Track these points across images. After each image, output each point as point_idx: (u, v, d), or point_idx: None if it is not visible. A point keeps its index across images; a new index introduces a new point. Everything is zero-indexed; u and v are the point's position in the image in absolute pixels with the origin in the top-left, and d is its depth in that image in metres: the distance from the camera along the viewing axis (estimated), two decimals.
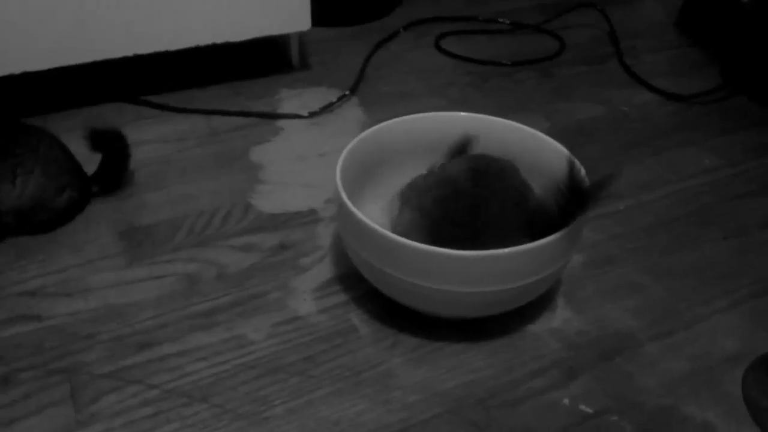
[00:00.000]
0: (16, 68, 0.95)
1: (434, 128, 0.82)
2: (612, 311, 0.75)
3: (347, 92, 1.11)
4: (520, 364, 0.69)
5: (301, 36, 1.17)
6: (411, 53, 1.27)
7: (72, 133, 0.88)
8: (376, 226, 0.65)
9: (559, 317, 0.74)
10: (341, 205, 0.68)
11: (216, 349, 0.69)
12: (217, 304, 0.74)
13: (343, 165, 0.72)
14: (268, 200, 0.89)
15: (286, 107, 1.08)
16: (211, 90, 1.11)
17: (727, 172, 0.99)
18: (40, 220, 0.81)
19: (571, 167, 0.69)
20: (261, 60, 1.19)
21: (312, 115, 1.06)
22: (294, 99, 1.11)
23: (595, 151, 1.02)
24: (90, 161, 0.87)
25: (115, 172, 0.88)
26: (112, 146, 0.87)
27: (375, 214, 0.77)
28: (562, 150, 0.77)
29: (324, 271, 0.79)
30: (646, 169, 0.99)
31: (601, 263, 0.82)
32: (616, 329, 0.73)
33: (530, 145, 0.80)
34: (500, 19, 1.38)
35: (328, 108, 1.08)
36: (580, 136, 1.04)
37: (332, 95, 1.10)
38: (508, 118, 0.83)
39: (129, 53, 1.01)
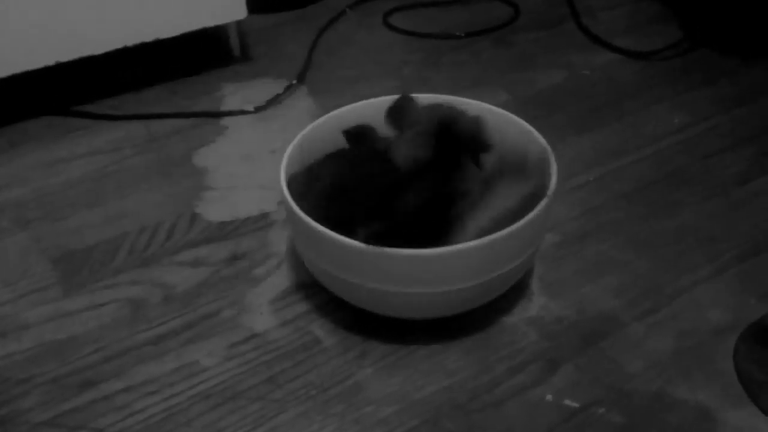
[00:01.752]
0: None
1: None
2: (592, 292, 0.71)
3: (294, 81, 1.04)
4: (498, 360, 0.64)
5: (240, 25, 1.09)
6: (359, 33, 1.20)
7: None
8: (329, 231, 0.59)
9: (536, 304, 0.69)
10: (289, 211, 0.62)
11: (167, 381, 0.63)
12: (164, 330, 0.67)
13: (289, 163, 0.66)
14: (216, 207, 0.82)
15: (229, 103, 1.01)
16: (147, 92, 1.04)
17: (698, 129, 0.94)
18: None
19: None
20: (199, 55, 1.11)
21: (258, 109, 0.99)
22: (238, 94, 1.03)
23: (561, 119, 0.97)
24: None
25: None
26: None
27: None
28: (523, 125, 0.72)
29: (281, 280, 0.72)
30: (614, 133, 0.94)
31: (577, 240, 0.77)
32: (597, 311, 0.69)
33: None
34: None
35: (275, 100, 1.01)
36: (543, 106, 0.99)
37: (279, 86, 1.03)
38: (466, 93, 0.76)
39: (51, 62, 0.93)
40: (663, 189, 0.84)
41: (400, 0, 1.29)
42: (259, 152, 0.92)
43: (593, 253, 0.75)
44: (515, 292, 0.69)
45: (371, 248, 0.57)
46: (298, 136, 0.69)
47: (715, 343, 0.65)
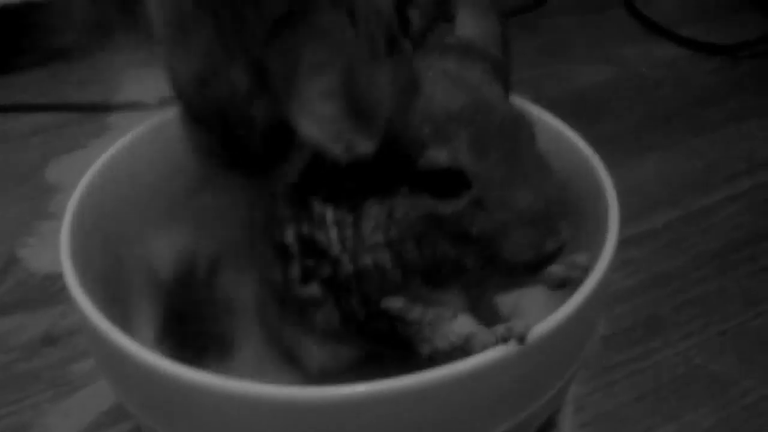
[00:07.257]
0: None
1: None
2: None
3: None
4: None
5: None
6: None
7: None
8: (134, 345, 0.27)
9: None
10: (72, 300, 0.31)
11: None
12: None
13: (85, 203, 0.36)
14: (47, 250, 0.52)
15: (126, 93, 0.71)
16: (19, 76, 0.74)
17: None
18: None
19: None
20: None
21: (164, 102, 0.69)
22: (147, 80, 0.73)
23: (611, 129, 0.65)
24: None
25: None
26: None
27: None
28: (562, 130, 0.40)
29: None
30: (691, 154, 0.62)
31: (641, 335, 0.45)
32: None
33: None
34: None
35: None
36: (584, 110, 0.67)
37: None
38: None
39: None
40: None
41: None
42: None
43: (668, 359, 0.43)
44: None
45: (216, 381, 0.26)
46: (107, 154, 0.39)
47: None
